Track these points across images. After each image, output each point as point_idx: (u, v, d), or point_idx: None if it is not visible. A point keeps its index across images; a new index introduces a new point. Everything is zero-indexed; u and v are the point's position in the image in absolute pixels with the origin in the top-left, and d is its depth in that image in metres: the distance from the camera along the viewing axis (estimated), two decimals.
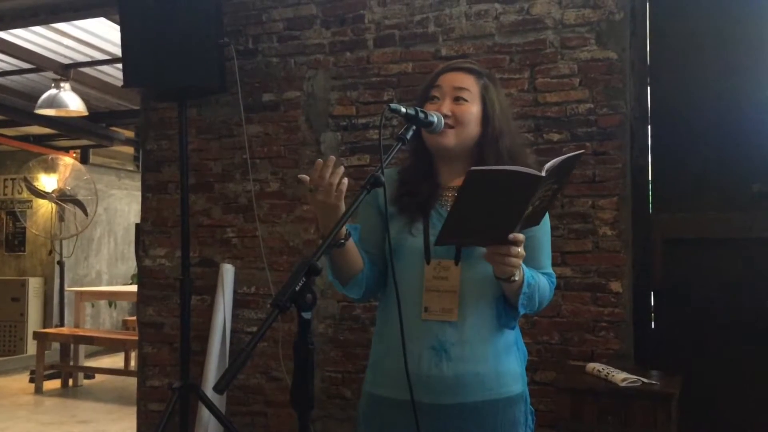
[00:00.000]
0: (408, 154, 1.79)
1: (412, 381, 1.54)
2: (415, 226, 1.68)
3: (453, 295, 1.63)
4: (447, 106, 1.68)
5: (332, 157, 1.52)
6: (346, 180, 1.53)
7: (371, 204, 1.72)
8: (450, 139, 1.68)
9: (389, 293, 1.68)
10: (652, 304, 3.13)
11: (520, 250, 1.50)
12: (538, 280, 1.65)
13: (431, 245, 1.64)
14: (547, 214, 1.72)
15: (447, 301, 1.64)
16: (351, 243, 1.63)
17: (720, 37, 3.08)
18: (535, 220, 1.55)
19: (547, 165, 1.42)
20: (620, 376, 2.55)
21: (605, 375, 2.61)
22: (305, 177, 1.53)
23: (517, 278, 1.55)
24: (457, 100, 1.69)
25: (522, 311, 1.64)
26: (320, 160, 1.51)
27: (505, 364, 1.67)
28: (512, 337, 1.72)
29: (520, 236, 1.49)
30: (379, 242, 1.72)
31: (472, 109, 1.69)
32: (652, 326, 3.13)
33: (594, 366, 2.72)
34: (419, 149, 1.74)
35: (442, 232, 1.49)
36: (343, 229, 1.58)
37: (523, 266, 1.58)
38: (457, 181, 1.71)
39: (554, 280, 1.75)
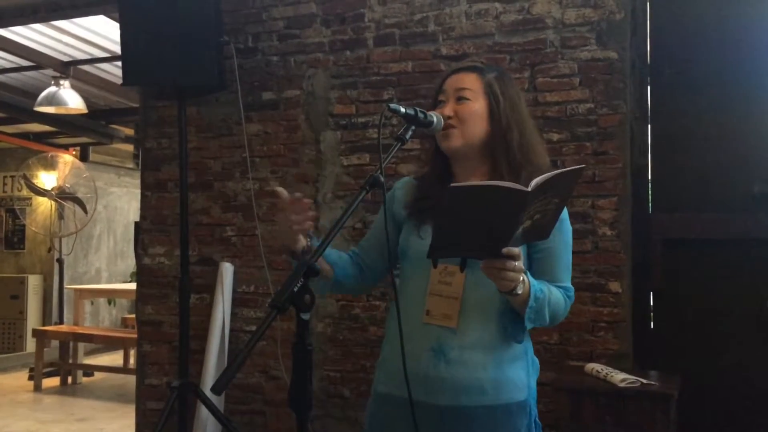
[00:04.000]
0: (427, 161, 1.81)
1: (413, 379, 1.54)
2: (423, 228, 1.67)
3: (455, 301, 1.62)
4: (449, 108, 1.68)
5: (306, 200, 1.57)
6: (310, 224, 1.59)
7: (387, 207, 1.68)
8: (456, 139, 1.67)
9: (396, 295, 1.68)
10: (652, 304, 3.13)
11: (517, 264, 1.46)
12: (549, 294, 1.60)
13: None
14: (569, 227, 1.70)
15: (448, 307, 1.63)
16: (321, 263, 1.58)
17: (720, 36, 3.08)
18: (541, 234, 1.51)
19: (534, 180, 1.37)
20: (619, 377, 2.55)
21: (604, 375, 2.61)
22: (283, 192, 1.56)
23: (520, 291, 1.51)
24: (459, 100, 1.69)
25: (529, 325, 1.60)
26: (295, 196, 1.55)
27: (507, 372, 1.63)
28: (521, 348, 1.67)
29: (515, 250, 1.45)
30: (385, 246, 1.68)
31: (474, 107, 1.68)
32: (652, 327, 3.12)
33: (593, 366, 2.72)
34: (436, 154, 1.74)
35: (430, 248, 1.46)
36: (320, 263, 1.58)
37: (532, 279, 1.56)
38: (472, 180, 1.69)
39: (571, 294, 1.69)
